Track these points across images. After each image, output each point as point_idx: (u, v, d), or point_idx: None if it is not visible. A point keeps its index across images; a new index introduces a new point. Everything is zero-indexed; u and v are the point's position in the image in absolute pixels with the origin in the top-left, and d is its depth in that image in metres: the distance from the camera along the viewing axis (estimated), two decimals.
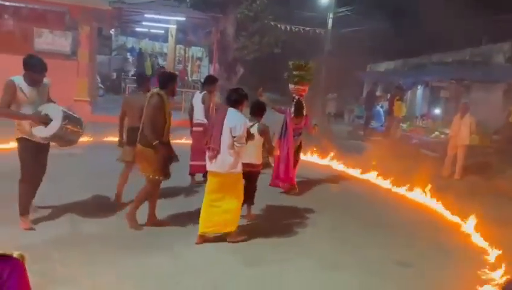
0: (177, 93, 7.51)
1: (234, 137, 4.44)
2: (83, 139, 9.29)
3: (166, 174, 4.82)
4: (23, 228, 4.44)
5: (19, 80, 4.33)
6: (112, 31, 21.33)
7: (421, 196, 7.51)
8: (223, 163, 4.50)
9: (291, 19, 19.93)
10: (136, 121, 5.04)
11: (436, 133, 13.13)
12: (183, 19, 14.49)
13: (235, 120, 4.50)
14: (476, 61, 14.19)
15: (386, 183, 8.31)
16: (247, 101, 4.88)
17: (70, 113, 4.57)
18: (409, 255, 4.96)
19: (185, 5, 16.92)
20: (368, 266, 4.56)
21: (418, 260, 4.87)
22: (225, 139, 4.46)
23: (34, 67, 4.35)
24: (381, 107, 15.26)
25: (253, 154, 5.17)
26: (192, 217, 5.17)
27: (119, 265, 3.96)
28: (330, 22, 23.86)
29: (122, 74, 20.91)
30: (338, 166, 9.56)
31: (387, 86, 18.31)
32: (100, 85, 18.10)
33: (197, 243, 4.59)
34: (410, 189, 7.78)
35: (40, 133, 4.34)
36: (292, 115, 6.86)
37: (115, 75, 21.33)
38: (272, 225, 5.54)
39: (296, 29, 19.71)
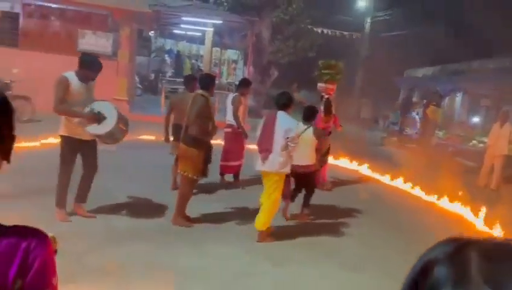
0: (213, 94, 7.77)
1: (287, 138, 4.67)
2: None
3: (205, 174, 5.01)
4: (58, 219, 4.67)
5: (71, 76, 4.51)
6: (152, 33, 21.93)
7: (451, 204, 7.35)
8: (274, 162, 4.75)
9: (327, 23, 19.86)
10: (181, 119, 5.30)
11: (474, 141, 12.74)
12: (220, 22, 14.73)
13: (289, 122, 4.78)
14: None
15: (416, 191, 8.17)
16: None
17: (120, 112, 4.76)
18: None
19: (222, 8, 17.18)
20: (388, 269, 4.54)
21: None
22: (278, 140, 4.71)
23: (91, 65, 4.57)
24: (417, 114, 14.93)
25: (307, 156, 5.51)
26: (220, 216, 5.30)
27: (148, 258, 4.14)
28: (368, 26, 23.64)
29: (160, 74, 21.47)
30: (368, 171, 9.47)
31: (424, 92, 17.90)
32: (138, 85, 18.67)
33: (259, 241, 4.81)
34: (441, 197, 7.62)
35: (95, 130, 4.47)
36: (322, 114, 6.91)
37: (153, 76, 21.94)
38: (297, 225, 5.60)
39: (333, 33, 19.61)
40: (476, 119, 14.73)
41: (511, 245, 0.51)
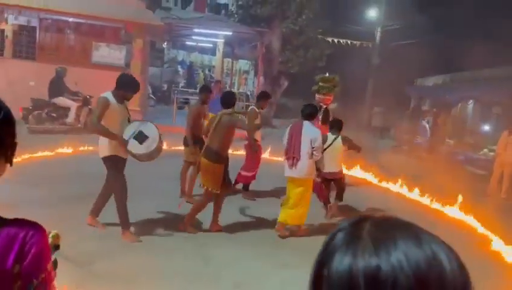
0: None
1: (313, 147, 5.11)
2: None
3: (224, 188, 5.18)
4: (129, 241, 4.67)
5: (110, 96, 4.49)
6: (164, 45, 22.38)
7: (459, 212, 7.35)
8: (302, 169, 5.16)
9: (338, 33, 19.99)
10: (196, 130, 5.97)
11: (485, 150, 12.66)
12: (230, 33, 14.98)
13: (314, 132, 5.22)
14: None
15: (424, 199, 8.19)
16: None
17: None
18: None
19: (233, 19, 17.47)
20: None
21: None
22: (304, 149, 5.12)
23: (130, 86, 4.57)
24: (427, 122, 14.90)
25: (334, 164, 6.08)
26: (225, 222, 5.43)
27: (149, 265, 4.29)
28: (378, 35, 23.71)
29: (173, 85, 21.84)
30: (376, 180, 9.50)
31: (435, 100, 17.85)
32: (151, 96, 19.03)
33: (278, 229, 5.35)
34: (449, 205, 7.63)
35: (137, 150, 4.50)
36: (319, 123, 7.06)
37: (165, 86, 22.33)
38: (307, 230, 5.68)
39: (343, 42, 19.73)
40: (487, 128, 14.62)
41: (397, 218, 0.64)
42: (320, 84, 7.47)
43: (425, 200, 8.15)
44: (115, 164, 4.57)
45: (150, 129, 4.61)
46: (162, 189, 6.75)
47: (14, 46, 12.71)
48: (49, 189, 6.13)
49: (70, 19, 12.79)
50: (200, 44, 20.79)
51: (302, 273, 3.36)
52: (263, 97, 7.13)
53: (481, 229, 6.69)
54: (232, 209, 6.13)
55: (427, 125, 15.12)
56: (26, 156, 7.53)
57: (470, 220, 7.07)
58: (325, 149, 5.80)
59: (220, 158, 5.00)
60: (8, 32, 12.63)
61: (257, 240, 5.16)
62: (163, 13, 19.73)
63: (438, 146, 12.90)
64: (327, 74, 7.72)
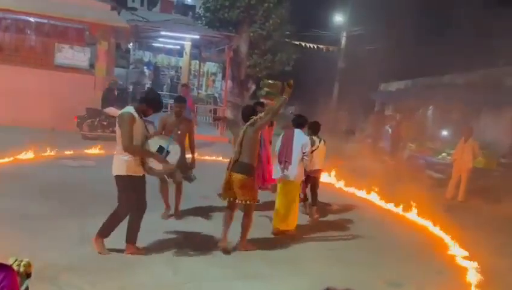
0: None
1: (304, 152, 5.83)
2: (94, 151, 9.77)
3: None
4: (130, 253, 4.58)
5: (133, 111, 4.35)
6: (130, 45, 22.02)
7: (417, 216, 7.65)
8: (292, 172, 5.79)
9: (305, 37, 20.32)
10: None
11: (443, 154, 13.16)
12: (198, 37, 14.94)
13: (304, 138, 5.99)
14: (487, 84, 14.26)
15: (383, 203, 8.47)
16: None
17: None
18: (399, 276, 5.12)
19: (200, 22, 17.42)
20: (358, 285, 4.73)
21: (407, 280, 5.03)
22: (296, 154, 5.80)
23: (156, 105, 4.46)
24: (390, 127, 15.36)
25: (319, 162, 6.79)
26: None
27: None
28: (344, 40, 24.26)
29: (138, 86, 21.51)
30: (339, 184, 9.74)
31: (397, 105, 18.43)
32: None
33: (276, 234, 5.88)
34: (407, 210, 7.92)
35: (158, 166, 4.47)
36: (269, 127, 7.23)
37: (131, 88, 21.97)
38: (269, 240, 5.77)
39: (310, 46, 20.06)
40: (445, 133, 15.23)
41: None
42: (266, 89, 7.79)
43: (386, 204, 8.43)
44: (130, 184, 4.42)
45: (171, 145, 4.60)
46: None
47: None
48: None
49: (32, 19, 12.40)
50: (167, 46, 20.59)
51: (266, 285, 3.43)
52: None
53: (438, 233, 6.98)
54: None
55: (390, 130, 15.60)
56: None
57: (427, 224, 7.36)
58: (312, 151, 6.44)
59: (253, 169, 5.04)
60: None
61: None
62: (129, 14, 19.44)
63: (400, 150, 13.33)
64: (270, 81, 7.85)
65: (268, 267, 4.88)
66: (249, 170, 4.96)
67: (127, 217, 4.58)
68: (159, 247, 5.02)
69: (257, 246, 5.32)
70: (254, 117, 5.08)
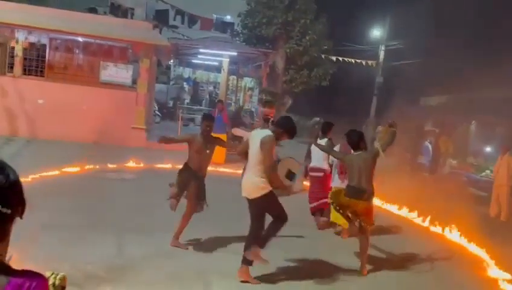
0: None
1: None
2: (134, 165, 10.12)
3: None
4: (257, 260, 4.60)
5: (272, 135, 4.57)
6: (171, 62, 22.76)
7: (457, 236, 7.41)
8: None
9: (342, 52, 20.28)
10: (195, 163, 5.48)
11: (487, 171, 12.72)
12: (235, 53, 15.27)
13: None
14: None
15: (423, 222, 8.25)
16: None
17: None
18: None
19: (238, 39, 17.80)
20: None
21: None
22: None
23: (292, 132, 4.70)
24: (430, 142, 14.98)
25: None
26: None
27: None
28: (382, 54, 24.00)
29: (178, 102, 22.15)
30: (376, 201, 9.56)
31: (438, 120, 17.95)
32: (157, 112, 19.31)
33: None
34: (448, 229, 7.68)
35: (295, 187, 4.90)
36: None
37: (171, 103, 22.65)
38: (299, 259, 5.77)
39: (347, 61, 19.98)
40: (489, 149, 14.68)
41: None
42: (268, 98, 7.84)
43: (425, 223, 8.21)
44: (273, 195, 4.56)
45: (294, 165, 4.91)
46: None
47: (23, 64, 13.03)
48: None
49: (79, 39, 13.12)
50: (205, 62, 21.14)
51: None
52: (329, 128, 7.10)
53: (479, 254, 6.73)
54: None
55: (429, 146, 15.21)
56: None
57: (469, 245, 7.11)
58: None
59: (372, 193, 5.31)
60: (18, 51, 12.96)
61: None
62: (170, 33, 20.16)
63: (441, 167, 12.96)
64: (270, 89, 8.06)
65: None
66: (371, 195, 5.27)
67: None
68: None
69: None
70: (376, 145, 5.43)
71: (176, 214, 5.66)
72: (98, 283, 4.25)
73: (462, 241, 7.26)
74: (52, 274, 1.73)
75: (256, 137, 4.58)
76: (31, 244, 4.61)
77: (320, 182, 7.00)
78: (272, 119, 6.95)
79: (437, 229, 7.88)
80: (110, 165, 9.69)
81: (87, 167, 9.26)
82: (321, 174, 7.00)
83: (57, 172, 8.54)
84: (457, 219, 7.82)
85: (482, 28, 15.64)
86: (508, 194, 9.34)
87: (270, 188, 4.52)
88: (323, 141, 6.77)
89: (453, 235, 7.53)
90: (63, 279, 1.74)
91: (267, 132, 4.53)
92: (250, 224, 4.68)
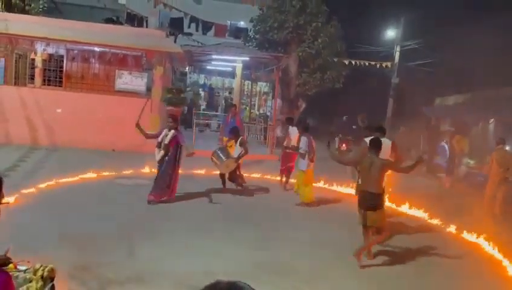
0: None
1: None
2: (149, 171, 10.33)
3: None
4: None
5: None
6: (187, 69, 23.06)
7: (473, 236, 7.33)
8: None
9: (355, 54, 20.20)
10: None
11: None
12: (248, 59, 15.40)
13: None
14: None
15: (437, 222, 8.19)
16: None
17: None
18: None
19: (251, 44, 17.94)
20: None
21: None
22: None
23: (384, 133, 6.84)
24: (446, 142, 14.78)
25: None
26: None
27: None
28: (397, 55, 23.78)
29: (193, 108, 22.39)
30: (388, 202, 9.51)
31: (454, 120, 17.71)
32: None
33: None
34: (464, 229, 7.60)
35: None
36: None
37: (186, 109, 22.91)
38: (299, 258, 5.82)
39: (361, 63, 19.88)
40: (507, 147, 14.33)
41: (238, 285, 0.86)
42: (169, 96, 8.01)
43: (440, 224, 8.14)
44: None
45: None
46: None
47: (43, 75, 13.45)
48: None
49: (95, 49, 13.47)
50: (219, 68, 21.35)
51: None
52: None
53: (496, 254, 6.63)
54: None
55: (446, 146, 15.01)
56: None
57: (485, 244, 7.02)
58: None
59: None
60: (38, 62, 13.40)
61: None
62: (185, 40, 20.45)
63: (456, 167, 12.78)
64: (171, 88, 8.29)
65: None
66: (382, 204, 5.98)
67: None
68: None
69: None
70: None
71: (185, 216, 5.78)
72: (108, 284, 4.39)
73: (479, 241, 7.16)
74: (41, 266, 1.86)
75: None
76: (47, 247, 4.81)
77: (290, 156, 9.75)
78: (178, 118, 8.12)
79: (452, 230, 7.79)
80: (125, 172, 9.91)
81: (104, 173, 9.51)
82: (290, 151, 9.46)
83: (76, 178, 8.80)
84: (474, 219, 7.76)
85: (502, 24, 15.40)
86: (498, 187, 9.41)
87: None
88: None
89: (469, 235, 7.44)
90: (51, 271, 1.87)
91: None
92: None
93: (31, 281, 1.72)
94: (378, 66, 20.99)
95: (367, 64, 20.52)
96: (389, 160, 6.46)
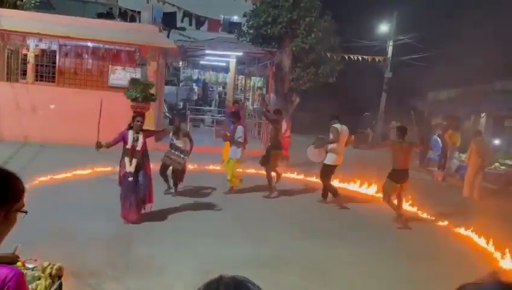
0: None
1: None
2: None
3: None
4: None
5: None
6: (180, 64, 23.00)
7: (465, 230, 7.45)
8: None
9: (349, 48, 20.23)
10: None
11: (496, 164, 12.64)
12: (241, 54, 15.40)
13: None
14: None
15: (428, 216, 8.31)
16: None
17: None
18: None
19: (244, 39, 17.92)
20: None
21: None
22: None
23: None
24: (438, 136, 14.92)
25: None
26: None
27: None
28: (390, 49, 23.87)
29: (187, 103, 22.39)
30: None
31: (447, 114, 17.85)
32: (167, 114, 19.55)
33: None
34: (456, 224, 7.72)
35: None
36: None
37: (181, 104, 22.91)
38: (302, 253, 5.91)
39: (354, 58, 19.92)
40: (497, 142, 14.53)
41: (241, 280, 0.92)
42: (130, 92, 6.80)
43: (430, 216, 8.26)
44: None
45: None
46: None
47: (35, 70, 13.38)
48: None
49: (88, 44, 13.41)
50: (213, 63, 21.33)
51: None
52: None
53: (488, 247, 6.73)
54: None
55: (438, 139, 15.14)
56: None
57: (475, 237, 7.14)
58: None
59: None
60: (30, 58, 13.32)
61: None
62: (178, 35, 20.37)
63: (448, 160, 12.92)
64: (139, 80, 7.28)
65: (301, 278, 5.03)
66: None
67: None
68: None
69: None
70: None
71: (180, 212, 5.83)
72: (104, 279, 4.45)
73: (471, 235, 7.27)
74: (50, 265, 1.91)
75: None
76: (42, 244, 4.84)
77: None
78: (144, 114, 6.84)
79: (444, 223, 7.92)
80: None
81: (98, 169, 9.52)
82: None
83: (69, 174, 8.82)
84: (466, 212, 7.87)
85: (493, 18, 15.52)
86: (476, 174, 10.34)
87: None
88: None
89: (461, 228, 7.56)
90: (59, 269, 1.92)
91: None
92: None
93: (39, 279, 1.77)
94: (371, 60, 21.04)
95: (360, 58, 20.57)
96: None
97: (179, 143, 7.81)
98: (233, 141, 8.55)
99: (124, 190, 6.35)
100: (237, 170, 8.79)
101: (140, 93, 6.70)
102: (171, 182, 8.22)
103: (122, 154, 6.60)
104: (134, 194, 6.31)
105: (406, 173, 7.39)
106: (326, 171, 8.35)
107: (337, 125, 8.34)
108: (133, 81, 7.14)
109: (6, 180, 1.48)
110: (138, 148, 6.46)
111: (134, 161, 6.40)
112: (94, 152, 6.19)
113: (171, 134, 8.11)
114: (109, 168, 9.63)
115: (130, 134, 6.58)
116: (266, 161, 8.74)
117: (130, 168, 6.38)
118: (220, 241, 5.91)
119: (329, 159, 8.31)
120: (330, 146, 8.33)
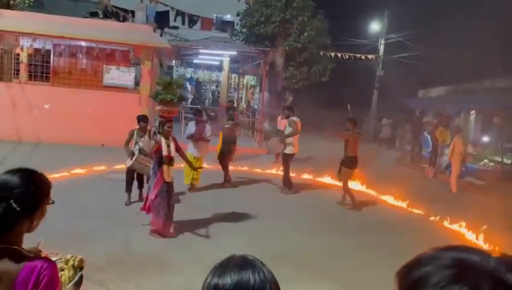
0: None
1: None
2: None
3: None
4: None
5: None
6: (173, 63, 23.04)
7: (456, 225, 7.65)
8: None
9: (341, 47, 20.44)
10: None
11: (485, 161, 12.91)
12: (235, 53, 15.53)
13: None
14: None
15: (421, 213, 8.51)
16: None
17: None
18: None
19: (238, 38, 18.06)
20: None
21: None
22: None
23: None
24: (429, 133, 15.18)
25: None
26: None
27: None
28: (382, 48, 24.13)
29: (182, 102, 22.41)
30: (374, 193, 9.84)
31: (437, 112, 18.15)
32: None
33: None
34: (446, 220, 7.93)
35: None
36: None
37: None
38: (293, 245, 6.07)
39: (346, 56, 20.14)
40: (487, 138, 14.81)
41: (247, 258, 1.08)
42: (162, 93, 5.85)
43: (422, 214, 8.47)
44: None
45: None
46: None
47: (29, 70, 13.39)
48: None
49: (82, 44, 13.45)
50: (207, 62, 21.40)
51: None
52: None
53: (477, 241, 6.93)
54: None
55: (429, 136, 15.39)
56: None
57: (466, 231, 7.35)
58: None
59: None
60: (23, 58, 13.33)
61: None
62: (170, 34, 20.43)
63: (439, 157, 13.16)
64: (167, 79, 6.36)
65: (295, 271, 5.19)
66: None
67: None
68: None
69: None
70: None
71: (179, 211, 5.96)
72: (103, 275, 4.58)
73: (462, 230, 7.48)
74: (72, 257, 2.06)
75: None
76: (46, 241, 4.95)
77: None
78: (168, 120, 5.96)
79: (436, 220, 8.12)
80: (115, 167, 10.02)
81: (93, 168, 9.61)
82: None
83: (65, 174, 8.90)
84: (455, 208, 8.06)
85: (482, 16, 15.80)
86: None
87: None
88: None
89: (452, 225, 7.76)
90: (81, 261, 2.07)
91: None
92: None
93: (62, 270, 1.91)
94: (363, 58, 21.28)
95: (352, 57, 20.80)
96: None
97: (145, 147, 6.53)
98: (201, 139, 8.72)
99: (159, 200, 5.78)
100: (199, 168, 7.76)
101: (174, 95, 5.86)
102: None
103: (157, 162, 5.84)
104: (168, 206, 5.86)
105: (357, 159, 8.30)
106: (288, 160, 8.98)
107: (294, 118, 8.92)
108: (166, 84, 5.99)
109: (43, 179, 1.63)
110: (172, 155, 5.88)
111: (172, 169, 5.89)
112: (89, 151, 6.23)
113: (138, 137, 7.50)
114: (104, 167, 9.76)
115: (163, 141, 5.84)
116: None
117: (169, 178, 5.84)
118: (219, 239, 6.05)
119: (290, 149, 8.88)
120: (291, 137, 8.81)
